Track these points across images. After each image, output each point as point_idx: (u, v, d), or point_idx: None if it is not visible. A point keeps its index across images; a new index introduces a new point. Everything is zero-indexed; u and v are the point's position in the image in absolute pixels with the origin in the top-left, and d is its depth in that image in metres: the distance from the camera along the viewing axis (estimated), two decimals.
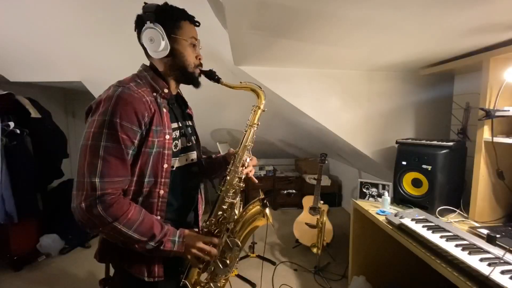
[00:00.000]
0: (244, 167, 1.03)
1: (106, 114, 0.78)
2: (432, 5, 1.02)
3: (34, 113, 2.54)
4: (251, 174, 1.08)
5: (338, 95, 2.06)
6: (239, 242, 0.97)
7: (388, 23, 1.19)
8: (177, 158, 0.94)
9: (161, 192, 0.88)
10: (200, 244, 0.89)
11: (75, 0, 1.62)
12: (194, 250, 0.88)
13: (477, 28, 1.22)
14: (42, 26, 1.83)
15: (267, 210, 1.01)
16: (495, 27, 1.21)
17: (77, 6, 1.65)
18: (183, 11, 0.92)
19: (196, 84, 0.99)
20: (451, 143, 1.61)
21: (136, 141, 0.82)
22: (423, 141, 1.75)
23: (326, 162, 3.65)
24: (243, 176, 1.04)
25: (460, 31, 1.26)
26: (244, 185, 1.05)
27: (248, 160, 1.05)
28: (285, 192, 3.95)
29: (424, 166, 1.65)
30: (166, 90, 0.92)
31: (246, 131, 1.05)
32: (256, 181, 1.09)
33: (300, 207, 3.44)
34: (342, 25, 1.22)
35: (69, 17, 1.74)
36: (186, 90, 1.09)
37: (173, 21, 0.89)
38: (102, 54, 2.12)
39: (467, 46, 1.48)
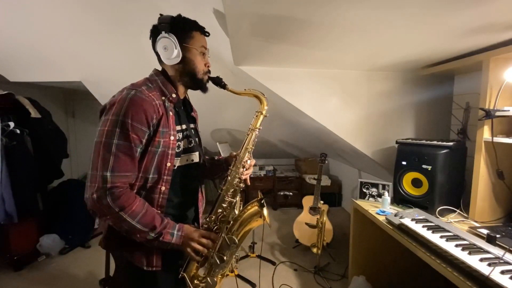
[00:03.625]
0: (244, 169, 1.09)
1: (119, 114, 0.85)
2: (432, 5, 1.02)
3: (34, 113, 2.54)
4: (247, 176, 1.13)
5: (338, 95, 2.06)
6: (236, 239, 1.02)
7: (388, 23, 1.19)
8: (179, 158, 1.00)
9: (163, 188, 0.95)
10: (198, 238, 0.95)
11: (76, 0, 1.62)
12: (192, 243, 0.94)
13: (477, 28, 1.22)
14: (42, 26, 1.83)
15: (265, 211, 1.05)
16: (495, 27, 1.21)
17: (77, 6, 1.65)
18: (194, 23, 0.99)
19: (204, 90, 1.05)
20: (451, 143, 1.61)
21: (144, 140, 0.89)
22: (423, 141, 1.75)
23: (326, 162, 3.65)
24: (243, 177, 1.09)
25: (460, 31, 1.26)
26: (243, 185, 1.09)
27: (248, 162, 1.10)
28: (282, 194, 3.95)
29: (424, 166, 1.65)
30: (174, 95, 0.99)
31: (248, 135, 1.10)
32: (249, 183, 1.13)
33: (300, 207, 3.45)
34: (341, 25, 1.22)
35: (69, 17, 1.74)
36: (189, 90, 1.10)
37: (185, 31, 0.97)
38: (102, 54, 2.11)
39: (467, 46, 1.48)
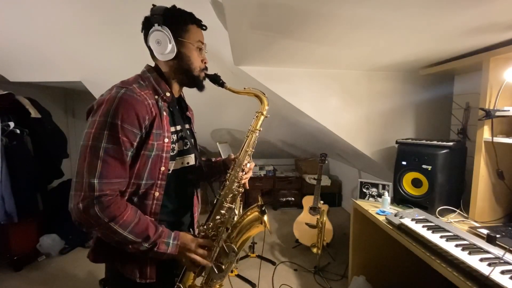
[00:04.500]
0: (244, 172, 1.03)
1: (107, 115, 0.78)
2: (432, 5, 1.02)
3: (34, 113, 2.54)
4: (246, 180, 1.08)
5: (338, 95, 2.06)
6: (235, 248, 0.97)
7: (388, 23, 1.19)
8: (174, 162, 0.94)
9: (156, 194, 0.88)
10: (195, 248, 0.89)
11: (76, 0, 1.62)
12: (188, 253, 0.88)
13: (477, 28, 1.22)
14: (42, 26, 1.83)
15: (265, 218, 1.00)
16: (495, 27, 1.21)
17: (78, 6, 1.65)
18: (190, 15, 0.92)
19: (201, 88, 0.99)
20: (451, 143, 1.61)
21: (135, 143, 0.82)
22: (423, 141, 1.75)
23: (326, 162, 3.66)
24: (242, 181, 1.04)
25: (460, 31, 1.26)
26: (243, 190, 1.04)
27: (248, 165, 1.05)
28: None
29: (424, 166, 1.65)
30: (168, 94, 0.92)
31: (247, 136, 1.05)
32: (247, 187, 1.08)
33: (300, 207, 3.45)
34: (342, 25, 1.22)
35: (69, 17, 1.74)
36: (187, 90, 1.09)
37: (180, 24, 0.90)
38: (102, 54, 2.11)
39: (467, 46, 1.48)
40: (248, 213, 1.03)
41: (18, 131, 2.35)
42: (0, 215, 2.22)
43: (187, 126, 1.05)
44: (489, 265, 0.98)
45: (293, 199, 3.94)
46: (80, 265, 2.51)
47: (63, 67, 2.34)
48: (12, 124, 2.31)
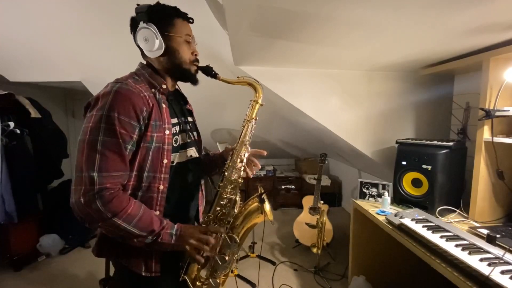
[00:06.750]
0: (242, 163, 1.03)
1: (103, 109, 0.78)
2: (432, 5, 1.02)
3: (34, 113, 2.54)
4: (249, 171, 1.07)
5: (338, 95, 2.06)
6: (237, 238, 0.97)
7: (388, 24, 1.19)
8: (178, 154, 0.95)
9: (161, 187, 0.88)
10: (197, 235, 0.89)
11: (76, 0, 1.62)
12: (191, 241, 0.87)
13: (477, 28, 1.22)
14: (42, 26, 1.83)
15: (267, 207, 0.99)
16: (495, 27, 1.21)
17: (78, 6, 1.65)
18: (175, 9, 0.92)
19: (194, 81, 0.99)
20: (451, 143, 1.61)
21: (135, 136, 0.82)
22: (423, 141, 1.75)
23: (326, 162, 3.65)
24: (242, 172, 1.03)
25: (460, 31, 1.26)
26: (242, 181, 1.04)
27: (246, 155, 1.04)
28: (283, 187, 3.90)
29: (424, 166, 1.65)
30: (164, 86, 0.93)
31: (243, 127, 1.05)
32: (251, 175, 1.07)
33: (300, 207, 3.45)
34: (342, 26, 1.22)
35: (69, 17, 1.74)
36: (186, 89, 1.09)
37: (165, 19, 0.90)
38: (102, 54, 2.12)
39: (467, 46, 1.48)
40: (249, 203, 1.03)
41: (18, 131, 2.35)
42: (0, 215, 2.22)
43: (189, 118, 1.06)
44: (489, 265, 0.98)
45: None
46: (80, 265, 2.51)
47: (63, 67, 2.34)
48: (12, 124, 2.32)
